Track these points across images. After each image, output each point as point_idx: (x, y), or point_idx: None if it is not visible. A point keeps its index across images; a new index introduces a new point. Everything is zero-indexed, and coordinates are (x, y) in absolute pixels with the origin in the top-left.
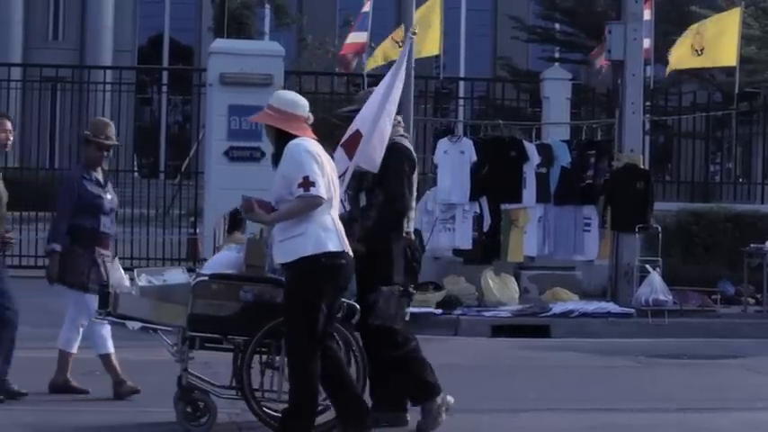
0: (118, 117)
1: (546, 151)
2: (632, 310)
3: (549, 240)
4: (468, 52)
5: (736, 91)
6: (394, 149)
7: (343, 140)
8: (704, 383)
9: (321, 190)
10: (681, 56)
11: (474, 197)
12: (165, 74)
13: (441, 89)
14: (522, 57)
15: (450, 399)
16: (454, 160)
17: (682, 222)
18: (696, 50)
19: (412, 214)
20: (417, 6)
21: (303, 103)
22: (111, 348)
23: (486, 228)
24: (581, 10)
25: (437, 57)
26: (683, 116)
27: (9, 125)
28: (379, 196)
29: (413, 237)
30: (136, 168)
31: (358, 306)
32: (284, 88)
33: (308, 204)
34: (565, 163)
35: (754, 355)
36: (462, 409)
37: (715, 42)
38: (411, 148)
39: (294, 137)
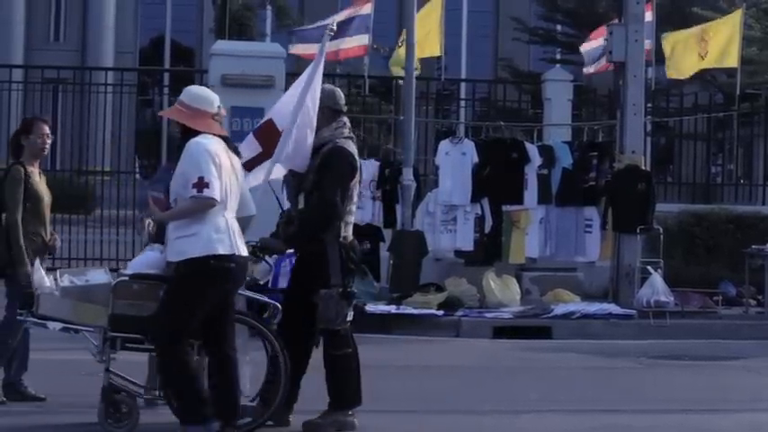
0: (119, 118)
1: (547, 152)
2: (634, 312)
3: (550, 242)
4: (469, 53)
5: (738, 92)
6: (334, 152)
7: (255, 128)
8: (706, 385)
9: (215, 192)
10: (690, 64)
11: (475, 198)
12: (166, 75)
13: (442, 90)
14: (523, 58)
15: (356, 422)
16: (455, 162)
17: (683, 224)
18: (701, 56)
19: (350, 218)
20: (419, 8)
21: (211, 98)
22: None
23: (487, 229)
24: (582, 11)
25: (438, 58)
26: (685, 117)
27: (46, 129)
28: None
29: (349, 240)
30: (137, 170)
31: (279, 306)
32: (285, 89)
33: (201, 206)
34: (566, 164)
35: (755, 357)
36: (464, 411)
37: (716, 44)
38: (354, 151)
39: (198, 133)
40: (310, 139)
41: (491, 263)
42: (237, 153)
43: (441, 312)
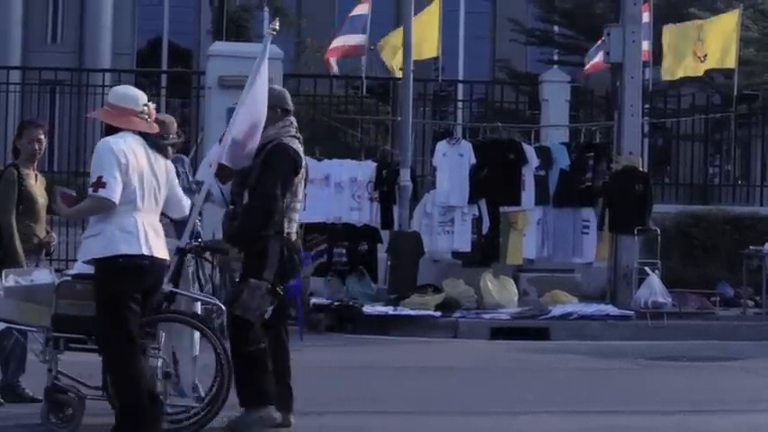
0: None
1: (545, 154)
2: (631, 313)
3: (547, 243)
4: (466, 55)
5: (735, 93)
6: (277, 149)
7: (220, 137)
8: (703, 386)
9: (111, 191)
10: (685, 65)
11: (473, 200)
12: (163, 76)
13: (439, 91)
14: (520, 59)
15: (277, 415)
16: (453, 163)
17: (681, 224)
18: (699, 58)
19: (294, 215)
20: (416, 9)
21: (136, 96)
22: None
23: (485, 230)
24: (580, 12)
25: (436, 59)
26: (682, 118)
27: (39, 133)
28: None
29: (293, 237)
30: None
31: (224, 307)
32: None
33: (96, 205)
34: (564, 165)
35: (753, 357)
36: (461, 412)
37: (714, 45)
38: (299, 149)
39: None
40: (255, 140)
41: (488, 264)
42: (165, 153)
43: (438, 313)
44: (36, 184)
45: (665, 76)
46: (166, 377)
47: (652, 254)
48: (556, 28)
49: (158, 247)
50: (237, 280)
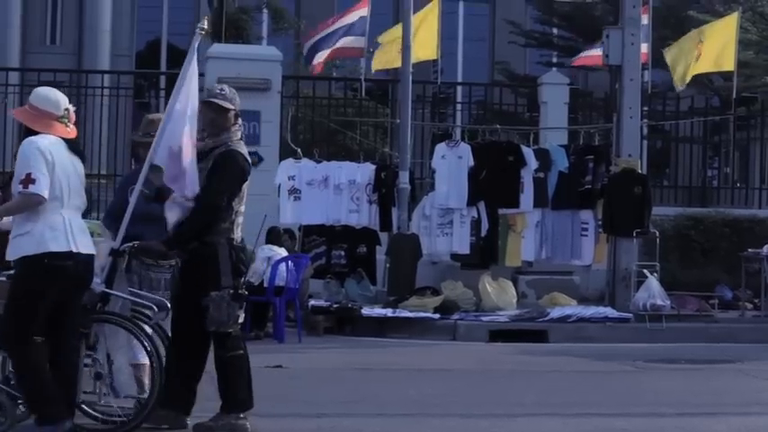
0: (116, 122)
1: (543, 156)
2: (630, 315)
3: (546, 245)
4: (465, 57)
5: (734, 95)
6: (227, 155)
7: None
8: (702, 388)
9: (41, 188)
10: (686, 69)
11: (472, 202)
12: (162, 78)
13: (438, 94)
14: (519, 61)
15: (248, 425)
16: (452, 165)
17: (679, 227)
18: (696, 57)
19: (240, 219)
20: (415, 11)
21: (57, 100)
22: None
23: (483, 232)
24: (579, 15)
25: (435, 61)
26: (681, 121)
27: None
28: None
29: (240, 243)
30: None
31: (156, 308)
32: (282, 93)
33: (27, 202)
34: (562, 168)
35: (751, 360)
36: (460, 414)
37: (713, 47)
38: (247, 154)
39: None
40: (178, 139)
41: (487, 266)
42: (83, 157)
43: (437, 316)
44: None
45: (678, 85)
46: (98, 377)
47: (651, 256)
48: (555, 30)
49: (84, 244)
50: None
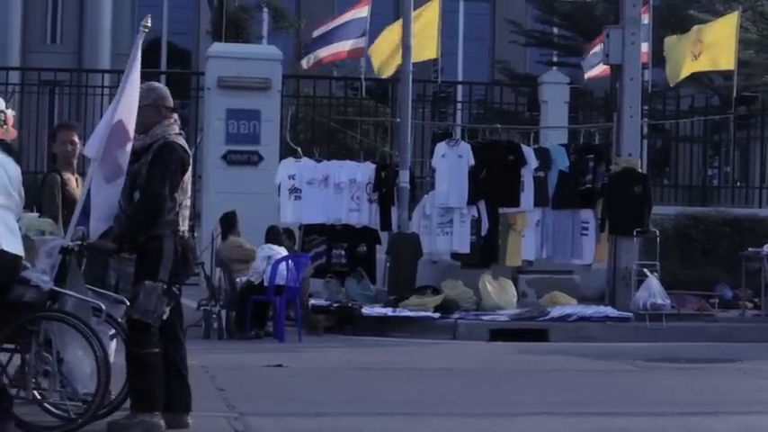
0: None
1: (544, 155)
2: (630, 314)
3: (547, 244)
4: (466, 56)
5: (734, 95)
6: (164, 147)
7: None
8: (702, 387)
9: None
10: (684, 66)
11: (472, 201)
12: (162, 77)
13: (439, 93)
14: (520, 61)
15: (162, 423)
16: (452, 164)
17: (680, 226)
18: (694, 55)
19: (186, 213)
20: (415, 9)
21: None
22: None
23: (484, 232)
24: (579, 14)
25: (435, 60)
26: (681, 120)
27: (71, 135)
28: None
29: (186, 235)
30: None
31: (104, 307)
32: (282, 92)
33: None
34: (563, 167)
35: (751, 359)
36: (460, 413)
37: (713, 46)
38: (186, 146)
39: None
40: (126, 147)
41: (487, 265)
42: (18, 160)
43: (437, 315)
44: (77, 188)
45: (671, 81)
46: (45, 375)
47: (651, 255)
48: (555, 29)
49: (10, 244)
50: (132, 282)
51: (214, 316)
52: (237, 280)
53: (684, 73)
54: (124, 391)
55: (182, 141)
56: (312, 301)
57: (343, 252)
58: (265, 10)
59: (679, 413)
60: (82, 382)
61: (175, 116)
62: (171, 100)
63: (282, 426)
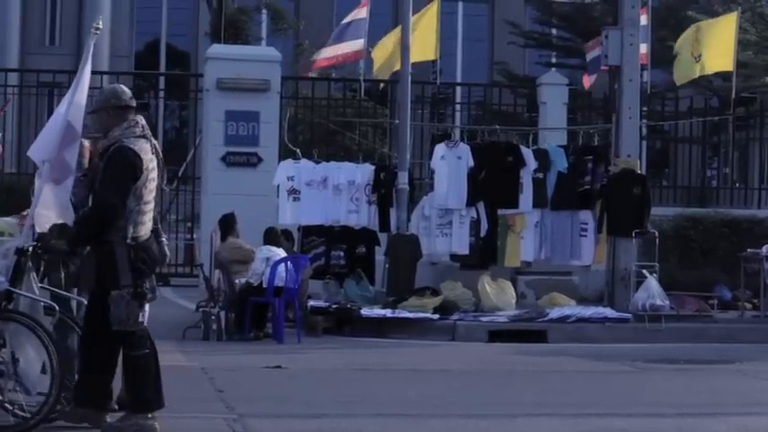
0: None
1: (543, 156)
2: (629, 315)
3: (545, 245)
4: (464, 57)
5: (733, 96)
6: (115, 152)
7: None
8: (701, 388)
9: None
10: (688, 67)
11: (471, 202)
12: (161, 79)
13: (438, 94)
14: (518, 62)
15: (157, 425)
16: (451, 165)
17: (679, 227)
18: (694, 57)
19: (142, 219)
20: (414, 11)
21: None
22: None
23: (483, 233)
24: (578, 15)
25: (434, 62)
26: (680, 121)
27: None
28: None
29: (142, 238)
30: None
31: (57, 307)
32: (281, 93)
33: None
34: (561, 168)
35: (750, 360)
36: (459, 414)
37: (712, 47)
38: (143, 149)
39: None
40: (67, 133)
41: (486, 267)
42: None
43: (436, 316)
44: None
45: (678, 82)
46: (0, 375)
47: (650, 256)
48: (554, 31)
49: None
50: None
51: (213, 317)
52: (236, 281)
53: (692, 75)
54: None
55: (139, 145)
56: (311, 303)
57: (341, 253)
58: (264, 11)
59: (678, 414)
60: (34, 381)
61: (138, 118)
62: (124, 99)
63: (281, 427)
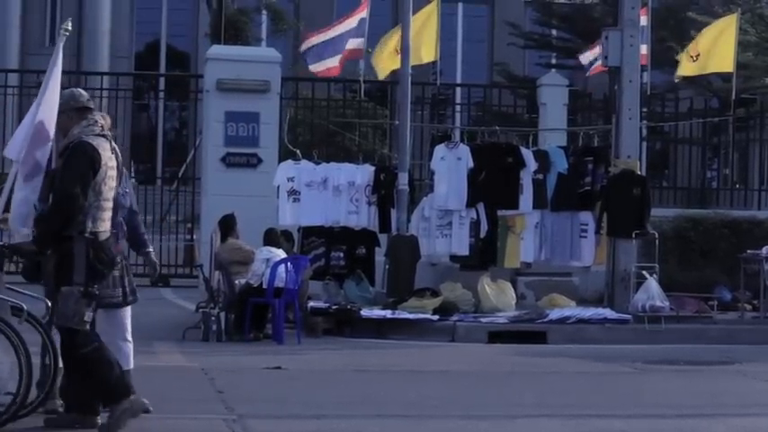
0: (115, 123)
1: (543, 157)
2: (629, 317)
3: (545, 246)
4: (464, 58)
5: (733, 97)
6: (74, 147)
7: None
8: (701, 389)
9: None
10: (682, 65)
11: (471, 203)
12: (161, 80)
13: (438, 95)
14: (518, 63)
15: (144, 401)
16: (451, 166)
17: (678, 228)
18: (692, 57)
19: (102, 215)
20: (414, 12)
21: None
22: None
23: (482, 234)
24: (578, 16)
25: (434, 63)
26: (680, 122)
27: None
28: None
29: (102, 237)
30: (133, 174)
31: (25, 307)
32: (281, 94)
33: None
34: (561, 169)
35: (750, 361)
36: (459, 415)
37: (712, 49)
38: (101, 146)
39: None
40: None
41: (486, 267)
42: None
43: (436, 317)
44: None
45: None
46: None
47: (650, 257)
48: (554, 32)
49: None
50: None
51: (213, 318)
52: (236, 282)
53: (683, 72)
54: (41, 395)
55: (96, 141)
56: (311, 304)
57: (341, 254)
58: (264, 12)
59: (677, 415)
60: (5, 381)
61: (97, 117)
62: (82, 100)
63: (281, 428)
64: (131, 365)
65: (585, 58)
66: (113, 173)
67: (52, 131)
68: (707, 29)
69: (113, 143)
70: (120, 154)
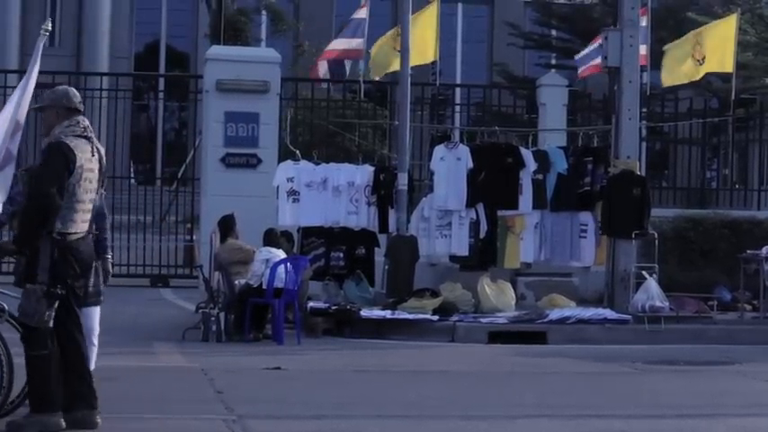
0: (114, 124)
1: (542, 158)
2: (629, 317)
3: (545, 247)
4: (464, 59)
5: (733, 97)
6: (50, 147)
7: None
8: (700, 389)
9: None
10: (686, 69)
11: (470, 204)
12: (161, 80)
13: (437, 96)
14: (518, 63)
15: (61, 422)
16: (450, 167)
17: (678, 228)
18: (698, 60)
19: (73, 216)
20: (414, 12)
21: None
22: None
23: (482, 234)
24: (577, 16)
25: (433, 63)
26: (680, 122)
27: None
28: None
29: (74, 238)
30: (132, 175)
31: (5, 306)
32: (281, 95)
33: None
34: (561, 169)
35: (750, 362)
36: (459, 416)
37: (711, 49)
38: (79, 147)
39: None
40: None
41: (486, 268)
42: None
43: (436, 317)
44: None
45: (665, 78)
46: None
47: (649, 258)
48: (553, 32)
49: None
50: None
51: (212, 318)
52: (236, 282)
53: (688, 77)
54: (24, 392)
55: (74, 142)
56: (311, 304)
57: (341, 254)
58: (264, 13)
59: (677, 415)
60: None
61: (80, 119)
62: (74, 101)
63: (281, 428)
64: (92, 367)
65: (579, 56)
66: (92, 175)
67: (22, 123)
68: (707, 29)
69: (97, 145)
70: (103, 156)
